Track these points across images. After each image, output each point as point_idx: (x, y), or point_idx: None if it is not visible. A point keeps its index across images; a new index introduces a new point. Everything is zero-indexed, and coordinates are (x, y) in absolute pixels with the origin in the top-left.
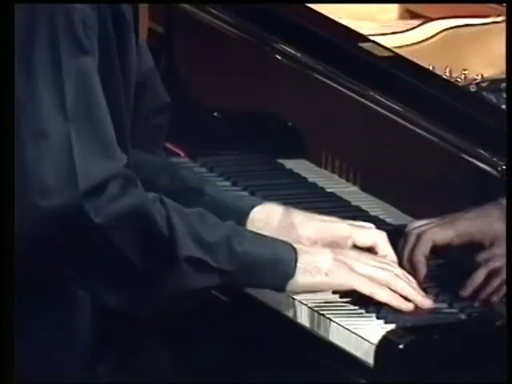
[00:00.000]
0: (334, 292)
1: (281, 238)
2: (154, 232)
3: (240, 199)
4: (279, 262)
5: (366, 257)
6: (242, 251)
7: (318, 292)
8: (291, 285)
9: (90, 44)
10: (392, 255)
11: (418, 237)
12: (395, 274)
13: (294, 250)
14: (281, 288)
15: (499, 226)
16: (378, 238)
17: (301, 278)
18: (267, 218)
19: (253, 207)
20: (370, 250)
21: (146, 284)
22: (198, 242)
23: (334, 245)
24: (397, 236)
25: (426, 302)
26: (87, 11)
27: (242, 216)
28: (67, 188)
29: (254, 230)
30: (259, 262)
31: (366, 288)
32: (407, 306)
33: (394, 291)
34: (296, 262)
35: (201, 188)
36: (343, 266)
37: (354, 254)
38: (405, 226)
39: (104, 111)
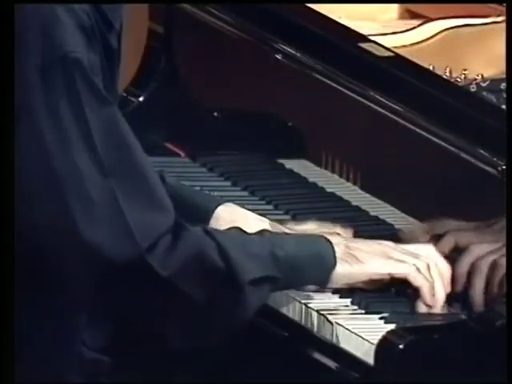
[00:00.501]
0: (335, 292)
1: None
2: (212, 268)
3: (202, 195)
4: (320, 258)
5: (398, 246)
6: (283, 256)
7: (356, 282)
8: (334, 276)
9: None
10: None
11: (440, 237)
12: (428, 266)
13: (330, 242)
14: (323, 282)
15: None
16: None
17: (340, 269)
18: (232, 218)
19: (218, 205)
20: None
21: (216, 317)
22: (253, 260)
23: None
24: (396, 236)
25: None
26: (92, 57)
27: (207, 213)
28: (128, 249)
29: (218, 227)
30: (302, 262)
31: (401, 271)
32: (433, 302)
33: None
34: (334, 253)
35: (161, 175)
36: (379, 253)
37: (390, 243)
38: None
39: (143, 160)
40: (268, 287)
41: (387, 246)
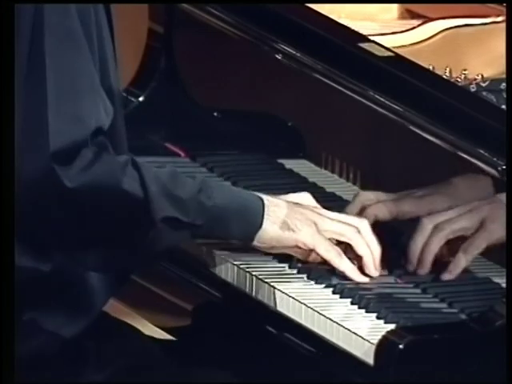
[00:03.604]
0: (335, 292)
1: None
2: (128, 196)
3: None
4: (247, 213)
5: (331, 214)
6: (211, 205)
7: (283, 246)
8: (259, 236)
9: (79, 10)
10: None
11: (363, 210)
12: (358, 231)
13: (262, 201)
14: (249, 239)
15: (442, 205)
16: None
17: (269, 229)
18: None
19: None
20: None
21: (123, 245)
22: (172, 200)
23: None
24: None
25: (375, 273)
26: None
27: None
28: (38, 147)
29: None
30: (228, 213)
31: (326, 254)
32: (360, 280)
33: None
34: (263, 212)
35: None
36: (311, 225)
37: (323, 211)
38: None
39: (85, 73)
40: (185, 231)
41: (319, 214)
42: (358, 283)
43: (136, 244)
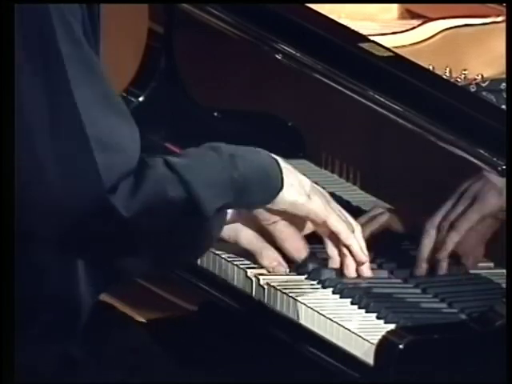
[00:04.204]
0: (335, 292)
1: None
2: (177, 201)
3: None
4: (269, 177)
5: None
6: (238, 176)
7: (296, 212)
8: (278, 198)
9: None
10: None
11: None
12: (353, 230)
13: (278, 164)
14: (268, 202)
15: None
16: None
17: (287, 192)
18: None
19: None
20: None
21: (184, 245)
22: (214, 189)
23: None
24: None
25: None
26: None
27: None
28: (93, 188)
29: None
30: (253, 181)
31: (336, 225)
32: (363, 259)
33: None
34: (282, 174)
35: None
36: (321, 196)
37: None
38: None
39: (114, 100)
40: (226, 211)
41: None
42: (357, 283)
43: (194, 241)
